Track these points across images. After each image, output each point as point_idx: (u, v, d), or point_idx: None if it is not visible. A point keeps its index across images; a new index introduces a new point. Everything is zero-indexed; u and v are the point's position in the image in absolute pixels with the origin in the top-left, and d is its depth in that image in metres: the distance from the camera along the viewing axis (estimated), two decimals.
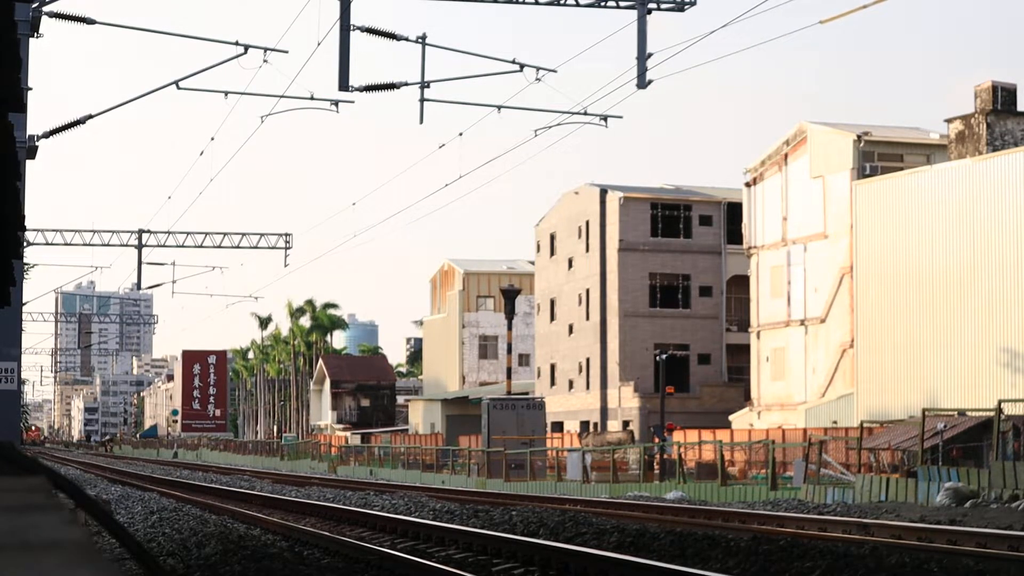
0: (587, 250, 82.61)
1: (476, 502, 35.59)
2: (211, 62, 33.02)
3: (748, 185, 71.46)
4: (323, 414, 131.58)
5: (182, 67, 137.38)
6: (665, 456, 53.89)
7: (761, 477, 47.34)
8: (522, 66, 31.68)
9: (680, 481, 47.97)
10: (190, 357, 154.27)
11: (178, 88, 32.87)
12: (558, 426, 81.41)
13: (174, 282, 65.71)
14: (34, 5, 27.96)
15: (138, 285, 60.77)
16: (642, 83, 29.44)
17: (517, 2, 29.76)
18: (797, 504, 34.76)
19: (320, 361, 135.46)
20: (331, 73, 29.58)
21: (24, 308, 42.71)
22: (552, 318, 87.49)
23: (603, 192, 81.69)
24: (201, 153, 45.75)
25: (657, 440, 57.11)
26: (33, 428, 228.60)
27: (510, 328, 71.47)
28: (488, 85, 35.84)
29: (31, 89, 27.06)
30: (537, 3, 29.85)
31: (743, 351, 75.75)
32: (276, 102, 35.29)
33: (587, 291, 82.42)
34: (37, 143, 31.32)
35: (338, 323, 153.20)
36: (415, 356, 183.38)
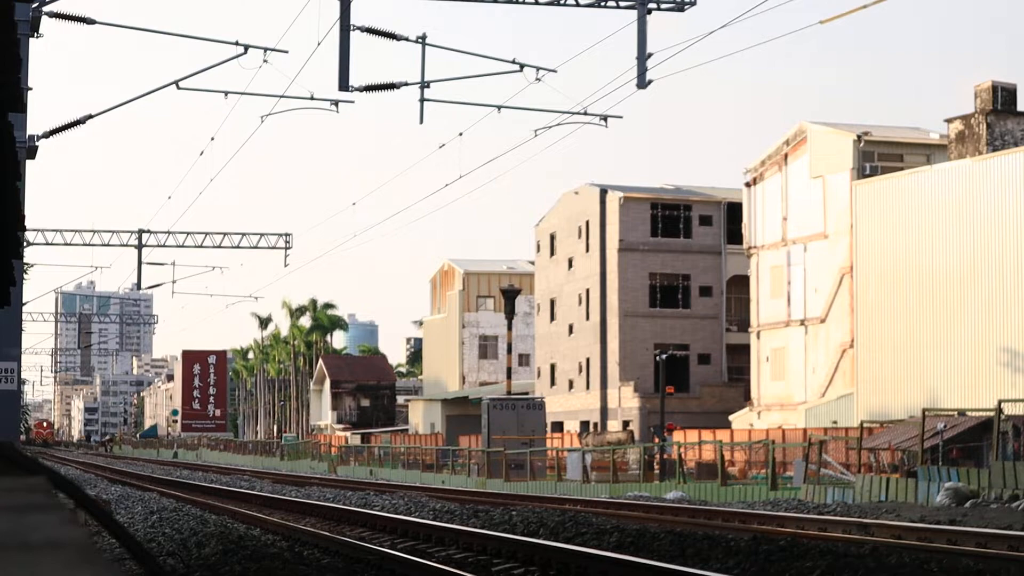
0: (587, 250, 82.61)
1: (476, 502, 35.58)
2: (211, 62, 33.01)
3: (748, 185, 71.46)
4: (323, 414, 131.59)
5: (182, 67, 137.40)
6: (665, 456, 53.87)
7: (761, 477, 47.33)
8: (522, 66, 31.67)
9: (680, 481, 47.94)
10: (190, 357, 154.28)
11: (178, 88, 32.88)
12: (558, 426, 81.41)
13: (174, 282, 65.70)
14: (34, 5, 27.96)
15: (138, 285, 60.76)
16: (642, 83, 29.44)
17: (517, 2, 29.76)
18: (797, 504, 34.74)
19: (320, 361, 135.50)
20: (331, 73, 29.59)
21: (24, 308, 42.73)
22: (552, 318, 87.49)
23: (603, 192, 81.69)
24: (201, 153, 45.72)
25: (657, 440, 57.09)
26: (44, 423, 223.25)
27: (510, 328, 71.45)
28: (488, 85, 35.79)
29: (31, 89, 27.06)
30: (537, 3, 29.85)
31: (743, 351, 75.74)
32: (276, 102, 35.31)
33: (587, 291, 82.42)
34: (37, 143, 31.31)
35: (338, 323, 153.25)
36: (415, 356, 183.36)
